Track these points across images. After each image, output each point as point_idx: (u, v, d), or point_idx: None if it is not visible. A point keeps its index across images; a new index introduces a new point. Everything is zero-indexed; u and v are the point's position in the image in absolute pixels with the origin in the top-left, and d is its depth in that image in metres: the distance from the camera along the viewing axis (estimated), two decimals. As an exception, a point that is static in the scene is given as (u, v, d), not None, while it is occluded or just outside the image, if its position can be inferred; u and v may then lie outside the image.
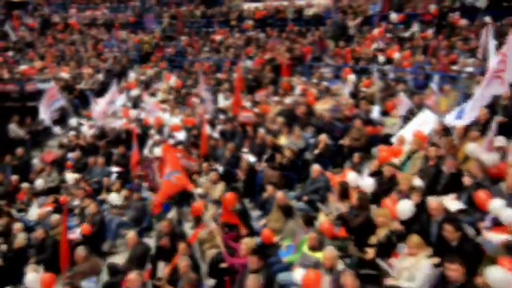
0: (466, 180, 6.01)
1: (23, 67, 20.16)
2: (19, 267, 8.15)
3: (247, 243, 5.80)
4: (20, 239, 8.81)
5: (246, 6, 23.01)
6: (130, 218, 9.03)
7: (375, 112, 10.57)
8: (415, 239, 5.02)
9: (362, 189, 6.60)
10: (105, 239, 8.89)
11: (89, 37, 23.49)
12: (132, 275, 5.85)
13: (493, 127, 6.41)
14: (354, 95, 11.82)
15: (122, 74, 19.00)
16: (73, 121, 14.94)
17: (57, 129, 15.13)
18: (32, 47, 22.40)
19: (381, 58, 13.55)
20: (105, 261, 8.10)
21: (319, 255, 5.47)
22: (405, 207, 5.80)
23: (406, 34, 15.09)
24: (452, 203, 5.94)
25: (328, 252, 5.23)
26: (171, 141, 11.77)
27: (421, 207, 5.76)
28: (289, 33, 18.57)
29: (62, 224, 7.83)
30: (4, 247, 8.95)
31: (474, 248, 4.84)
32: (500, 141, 6.64)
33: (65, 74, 18.11)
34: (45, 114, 14.40)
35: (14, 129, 14.25)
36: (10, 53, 21.77)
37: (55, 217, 9.14)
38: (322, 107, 11.16)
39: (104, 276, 7.29)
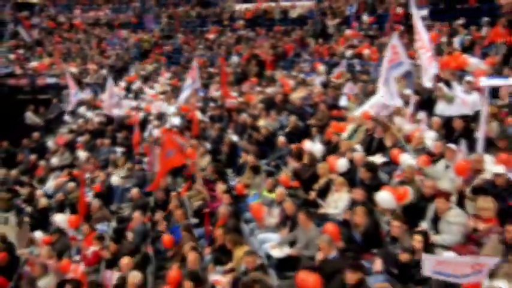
0: (387, 143, 8.00)
1: (33, 63, 22.14)
2: (44, 224, 10.11)
3: (220, 186, 7.78)
4: (43, 201, 10.79)
5: (238, 7, 24.96)
6: (133, 185, 10.98)
7: (343, 99, 12.50)
8: (340, 179, 6.99)
9: (313, 152, 8.55)
10: (112, 202, 10.85)
11: (93, 36, 25.48)
12: (136, 214, 7.82)
13: (411, 104, 8.39)
14: (325, 84, 13.75)
15: (124, 69, 21.00)
16: (82, 109, 16.88)
17: (67, 117, 17.06)
18: (40, 45, 24.34)
19: (349, 53, 15.47)
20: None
21: (273, 195, 7.43)
22: (341, 163, 7.76)
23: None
24: (379, 158, 7.92)
25: (279, 191, 7.20)
26: (168, 126, 13.72)
27: (351, 162, 7.72)
28: (276, 32, 20.54)
29: (79, 189, 9.77)
30: (30, 209, 10.96)
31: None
32: (420, 115, 8.61)
33: (73, 69, 20.03)
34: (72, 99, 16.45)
35: (31, 117, 16.25)
36: (21, 51, 23.70)
37: (71, 185, 11.13)
38: (297, 95, 13.13)
39: (113, 224, 9.26)
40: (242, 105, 13.37)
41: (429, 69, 8.46)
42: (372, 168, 7.04)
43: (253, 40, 20.82)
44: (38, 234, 8.96)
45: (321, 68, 14.57)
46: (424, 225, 5.79)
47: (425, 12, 15.53)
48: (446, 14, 15.63)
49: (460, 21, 14.31)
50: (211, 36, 22.81)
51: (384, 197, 6.17)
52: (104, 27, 26.40)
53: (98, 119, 15.77)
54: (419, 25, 8.84)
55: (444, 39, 13.86)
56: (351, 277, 4.71)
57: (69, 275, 6.94)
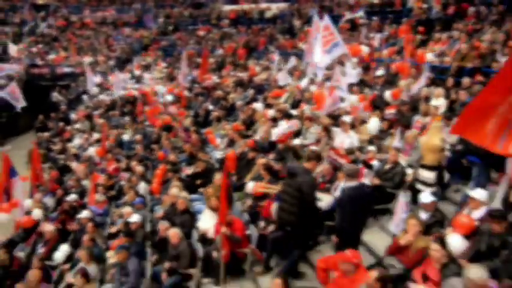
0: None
1: (51, 56, 26.53)
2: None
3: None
4: (73, 150, 15.26)
5: (224, 8, 29.40)
6: (137, 139, 15.41)
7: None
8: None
9: (256, 109, 12.96)
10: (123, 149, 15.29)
11: (101, 33, 29.85)
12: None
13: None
14: (279, 69, 18.17)
15: (128, 60, 25.39)
16: (94, 89, 21.32)
17: (85, 98, 21.50)
18: (57, 41, 28.74)
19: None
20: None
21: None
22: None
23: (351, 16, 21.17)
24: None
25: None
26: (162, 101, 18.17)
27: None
28: (253, 30, 24.99)
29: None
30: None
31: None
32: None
33: (87, 59, 24.49)
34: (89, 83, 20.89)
35: (57, 96, 20.73)
36: (40, 46, 28.07)
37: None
38: (261, 77, 17.59)
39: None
40: (217, 85, 17.83)
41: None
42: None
43: (235, 36, 25.27)
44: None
45: (277, 57, 18.87)
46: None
47: (361, 12, 20.07)
48: (378, 15, 20.01)
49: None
50: (201, 33, 27.21)
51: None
52: (110, 26, 30.77)
53: (108, 97, 20.23)
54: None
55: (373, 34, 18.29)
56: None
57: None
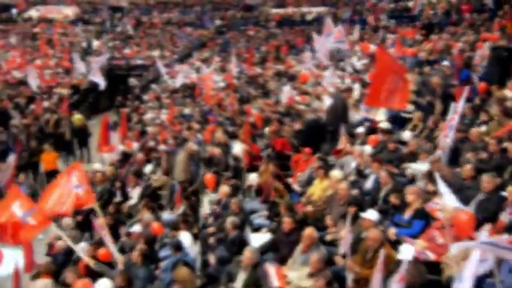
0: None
1: (126, 50, 31.95)
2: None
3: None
4: (147, 121, 20.11)
5: (271, 11, 33.83)
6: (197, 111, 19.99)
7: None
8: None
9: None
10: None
11: (167, 31, 35.09)
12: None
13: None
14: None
15: (189, 55, 30.35)
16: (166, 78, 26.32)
17: (155, 87, 26.55)
18: (131, 38, 34.25)
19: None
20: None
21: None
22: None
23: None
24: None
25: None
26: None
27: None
28: (296, 30, 29.24)
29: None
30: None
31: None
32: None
33: (155, 53, 29.67)
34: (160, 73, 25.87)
35: (133, 81, 25.96)
36: (117, 42, 33.63)
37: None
38: (295, 69, 21.81)
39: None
40: (260, 75, 22.21)
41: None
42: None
43: (279, 35, 29.61)
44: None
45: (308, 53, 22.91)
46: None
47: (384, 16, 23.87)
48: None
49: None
50: (250, 32, 31.74)
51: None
52: (174, 25, 35.98)
53: (173, 84, 25.12)
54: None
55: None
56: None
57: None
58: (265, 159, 9.61)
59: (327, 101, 12.70)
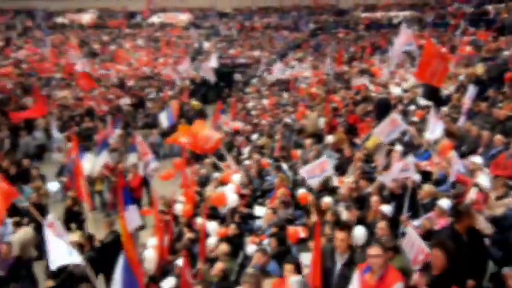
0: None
1: (231, 51, 37.00)
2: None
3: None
4: (250, 107, 24.61)
5: (361, 15, 37.00)
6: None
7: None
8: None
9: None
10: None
11: (266, 34, 39.67)
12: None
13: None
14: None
15: (285, 55, 34.60)
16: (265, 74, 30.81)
17: (255, 81, 31.12)
18: (235, 40, 39.32)
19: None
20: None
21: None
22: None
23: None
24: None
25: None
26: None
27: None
28: (382, 33, 32.26)
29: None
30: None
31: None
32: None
33: (257, 54, 34.34)
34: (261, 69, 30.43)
35: (237, 76, 30.81)
36: (224, 44, 38.83)
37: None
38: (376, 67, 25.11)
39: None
40: (345, 72, 25.75)
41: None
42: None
43: (366, 38, 32.80)
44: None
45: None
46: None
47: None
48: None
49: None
50: (340, 35, 35.21)
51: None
52: (273, 29, 40.47)
53: (270, 78, 29.46)
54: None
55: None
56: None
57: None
58: (339, 127, 13.40)
59: (394, 90, 16.14)
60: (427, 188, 7.28)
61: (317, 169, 9.07)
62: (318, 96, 20.43)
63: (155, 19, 44.02)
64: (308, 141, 12.60)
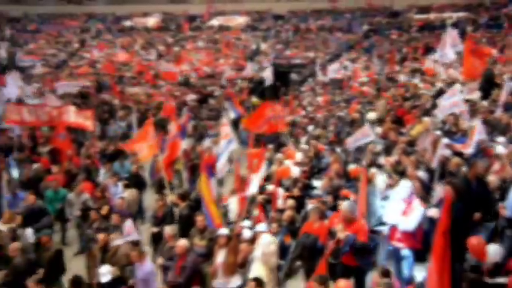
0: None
1: (287, 52, 38.94)
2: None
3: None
4: (305, 103, 26.46)
5: (415, 17, 37.89)
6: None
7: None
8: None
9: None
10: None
11: (320, 36, 41.30)
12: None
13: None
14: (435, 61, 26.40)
15: (339, 55, 36.17)
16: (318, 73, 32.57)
17: (310, 80, 32.89)
18: (290, 42, 41.23)
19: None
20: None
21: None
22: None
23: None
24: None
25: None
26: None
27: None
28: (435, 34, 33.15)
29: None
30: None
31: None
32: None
33: (311, 54, 36.15)
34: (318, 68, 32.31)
35: (294, 76, 32.75)
36: (280, 45, 40.80)
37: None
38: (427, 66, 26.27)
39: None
40: (398, 71, 27.05)
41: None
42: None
43: (419, 39, 33.79)
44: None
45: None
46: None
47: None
48: None
49: None
50: (393, 36, 36.30)
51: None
52: (327, 31, 42.07)
53: (324, 78, 31.14)
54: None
55: None
56: None
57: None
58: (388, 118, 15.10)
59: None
60: (455, 159, 8.91)
61: (359, 135, 11.05)
62: (370, 95, 21.99)
63: (214, 22, 46.73)
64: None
